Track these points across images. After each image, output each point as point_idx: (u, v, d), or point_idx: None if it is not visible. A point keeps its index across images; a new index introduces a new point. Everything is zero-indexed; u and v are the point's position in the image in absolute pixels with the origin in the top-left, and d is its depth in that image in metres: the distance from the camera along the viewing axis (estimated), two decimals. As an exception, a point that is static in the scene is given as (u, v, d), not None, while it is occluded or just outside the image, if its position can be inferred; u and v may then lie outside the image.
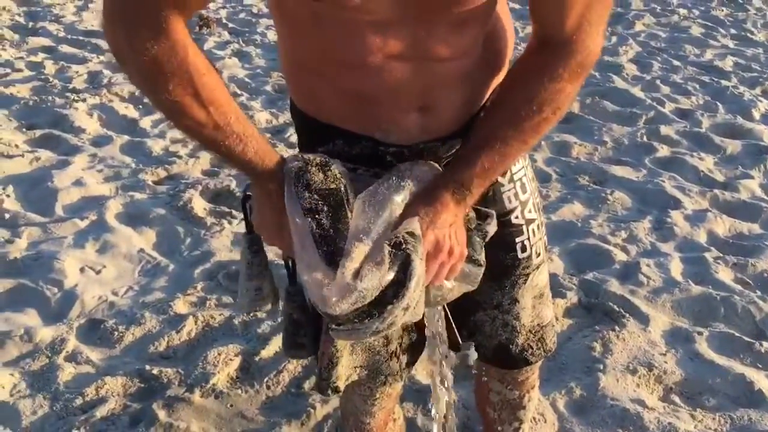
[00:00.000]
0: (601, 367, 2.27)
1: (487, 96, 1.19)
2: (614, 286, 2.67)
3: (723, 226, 3.18)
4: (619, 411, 2.10)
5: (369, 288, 0.98)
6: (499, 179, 1.26)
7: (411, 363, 1.41)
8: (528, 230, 1.32)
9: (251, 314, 2.48)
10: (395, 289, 1.00)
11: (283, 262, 1.29)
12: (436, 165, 1.15)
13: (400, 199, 1.06)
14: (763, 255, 2.92)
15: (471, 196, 1.10)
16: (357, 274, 0.98)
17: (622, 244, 3.01)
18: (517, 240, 1.31)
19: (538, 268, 1.36)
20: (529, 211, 1.32)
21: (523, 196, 1.31)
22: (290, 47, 1.16)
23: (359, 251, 1.00)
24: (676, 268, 2.83)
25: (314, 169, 1.05)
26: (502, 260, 1.31)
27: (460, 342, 1.36)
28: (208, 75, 0.98)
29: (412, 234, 1.03)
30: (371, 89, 1.07)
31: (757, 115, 4.34)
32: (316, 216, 1.02)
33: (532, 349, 1.42)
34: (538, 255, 1.35)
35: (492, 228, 1.19)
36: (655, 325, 2.48)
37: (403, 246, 1.01)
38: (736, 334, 2.45)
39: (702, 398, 2.19)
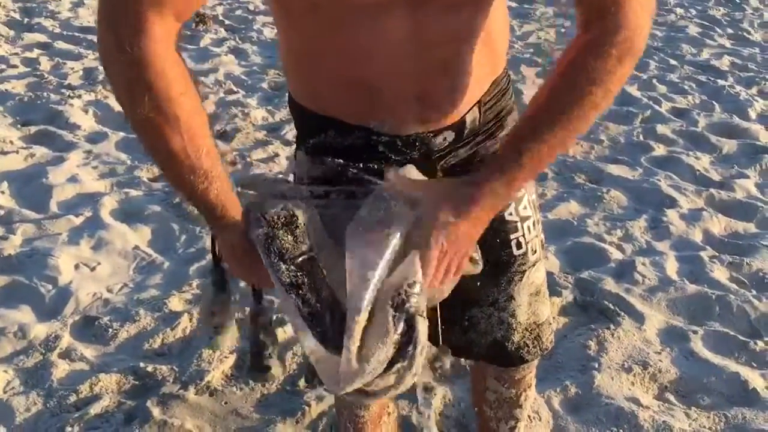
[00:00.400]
0: (596, 365, 2.27)
1: (483, 90, 1.19)
2: (609, 284, 2.68)
3: (718, 225, 3.18)
4: (614, 409, 2.10)
5: (377, 366, 0.95)
6: None
7: None
8: (523, 227, 1.31)
9: (245, 310, 2.47)
10: (403, 350, 0.97)
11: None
12: (417, 175, 1.11)
13: (398, 235, 0.98)
14: (759, 254, 2.93)
15: (508, 197, 1.06)
16: (361, 351, 0.94)
17: (617, 242, 3.01)
18: (512, 237, 1.31)
19: (534, 265, 1.36)
20: (524, 208, 1.31)
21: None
22: (288, 38, 1.15)
23: (359, 325, 0.95)
24: (672, 267, 2.83)
25: (281, 232, 1.02)
26: (498, 257, 1.31)
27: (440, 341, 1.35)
28: (187, 95, 0.95)
29: (412, 285, 0.96)
30: (369, 76, 1.07)
31: (753, 114, 4.34)
32: (300, 291, 0.99)
33: (528, 347, 1.41)
34: (534, 252, 1.35)
35: (478, 268, 1.17)
36: (651, 323, 2.48)
37: (406, 305, 0.96)
38: (731, 333, 2.45)
39: (697, 397, 2.19)
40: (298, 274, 0.99)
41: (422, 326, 0.98)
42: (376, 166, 1.15)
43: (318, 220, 1.06)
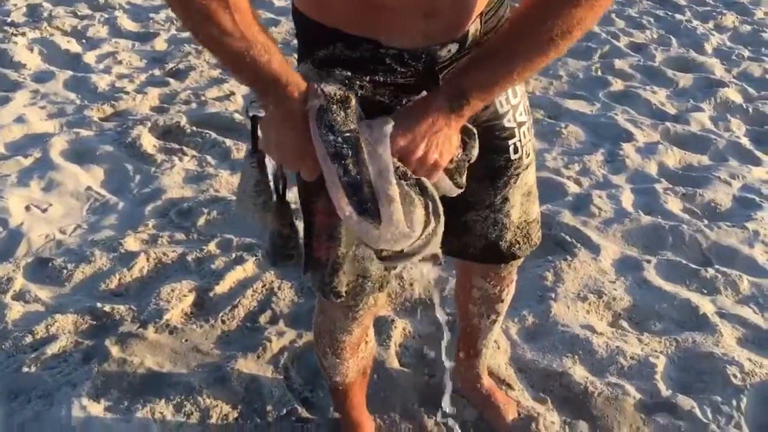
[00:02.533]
0: (553, 295, 2.32)
1: (485, 2, 1.19)
2: (567, 217, 2.71)
3: (673, 158, 3.23)
4: (569, 336, 2.15)
5: (418, 226, 1.08)
6: None
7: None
8: (519, 132, 1.36)
9: (203, 249, 2.45)
10: (428, 211, 1.10)
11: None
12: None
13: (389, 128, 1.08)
14: (711, 185, 2.98)
15: (468, 107, 1.11)
16: (405, 218, 1.06)
17: (575, 176, 3.04)
18: (510, 142, 1.35)
19: (527, 168, 1.41)
20: (520, 114, 1.36)
21: (514, 100, 1.34)
22: None
23: (395, 193, 1.05)
24: (627, 200, 2.87)
25: (335, 107, 1.06)
26: (496, 162, 1.36)
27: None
28: None
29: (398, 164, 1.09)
30: None
31: (709, 48, 4.37)
32: (343, 162, 1.04)
33: (519, 243, 1.48)
34: (528, 155, 1.40)
35: (475, 151, 1.21)
36: (606, 254, 2.53)
37: (408, 174, 1.09)
38: (683, 262, 2.51)
39: (649, 323, 2.26)
40: (344, 146, 1.04)
41: (431, 188, 1.11)
42: (382, 78, 1.18)
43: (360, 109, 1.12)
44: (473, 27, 1.18)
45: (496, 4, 1.22)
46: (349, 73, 1.16)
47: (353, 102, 1.08)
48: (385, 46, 1.13)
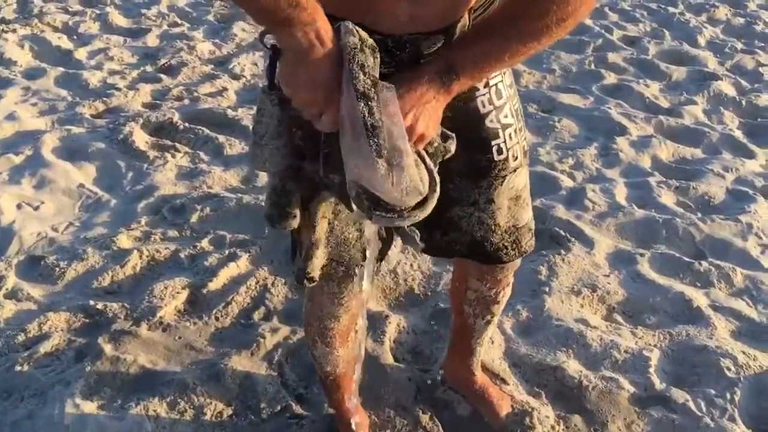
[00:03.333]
0: (547, 289, 2.32)
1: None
2: (560, 211, 2.71)
3: (667, 151, 3.23)
4: (563, 330, 2.15)
5: (425, 189, 1.10)
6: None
7: (385, 254, 1.48)
8: (504, 134, 1.35)
9: (197, 246, 2.44)
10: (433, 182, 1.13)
11: None
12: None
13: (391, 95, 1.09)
14: (704, 178, 2.99)
15: (457, 82, 1.12)
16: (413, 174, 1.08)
17: (569, 170, 3.03)
18: (493, 143, 1.35)
19: (515, 171, 1.40)
20: (506, 116, 1.35)
21: (498, 101, 1.34)
22: None
23: (409, 149, 1.06)
24: (621, 193, 2.87)
25: (368, 50, 1.05)
26: (479, 161, 1.35)
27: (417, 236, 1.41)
28: None
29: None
30: None
31: (702, 41, 4.38)
32: (369, 103, 1.02)
33: (507, 248, 1.47)
34: (516, 158, 1.39)
35: (452, 147, 1.21)
36: (600, 248, 2.53)
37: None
38: (677, 255, 2.52)
39: (643, 316, 2.26)
40: (372, 88, 1.03)
41: (428, 159, 1.14)
42: (386, 70, 1.15)
43: None
44: (462, 22, 1.17)
45: (486, 2, 1.20)
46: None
47: (378, 53, 1.07)
48: (369, 29, 1.10)
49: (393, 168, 1.04)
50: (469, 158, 1.32)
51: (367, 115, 1.02)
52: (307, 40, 1.01)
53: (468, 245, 1.45)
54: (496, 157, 1.36)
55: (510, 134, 1.36)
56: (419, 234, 1.35)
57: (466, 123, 1.30)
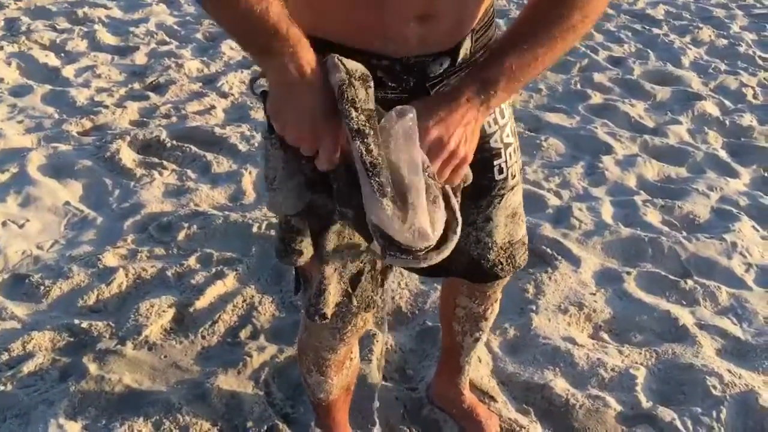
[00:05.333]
0: (534, 308, 2.32)
1: (476, 18, 1.18)
2: (547, 230, 2.72)
3: (652, 170, 3.26)
4: (551, 349, 2.15)
5: (439, 230, 1.02)
6: None
7: (382, 287, 1.44)
8: (506, 153, 1.36)
9: (183, 264, 2.42)
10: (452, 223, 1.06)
11: None
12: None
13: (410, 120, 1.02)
14: (690, 197, 3.01)
15: (495, 98, 1.10)
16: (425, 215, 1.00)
17: (555, 189, 3.05)
18: (495, 162, 1.35)
19: (513, 189, 1.41)
20: (507, 136, 1.36)
21: (502, 120, 1.34)
22: None
23: (423, 186, 0.99)
24: (607, 212, 2.89)
25: (357, 83, 1.00)
26: (480, 181, 1.34)
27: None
28: None
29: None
30: None
31: (686, 62, 4.43)
32: (365, 140, 0.97)
33: (503, 264, 1.46)
34: (514, 177, 1.40)
35: (470, 175, 1.18)
36: (586, 266, 2.54)
37: (435, 177, 1.04)
38: (663, 273, 2.53)
39: (629, 334, 2.27)
40: (366, 123, 0.98)
41: (453, 199, 1.08)
42: (379, 95, 1.15)
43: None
44: (465, 43, 1.17)
45: (486, 23, 1.22)
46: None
47: (371, 83, 1.03)
48: (378, 55, 1.10)
49: (403, 207, 0.98)
50: (472, 180, 1.31)
51: (364, 153, 0.97)
52: (289, 71, 0.99)
53: (465, 265, 1.44)
54: (497, 177, 1.36)
55: (510, 153, 1.37)
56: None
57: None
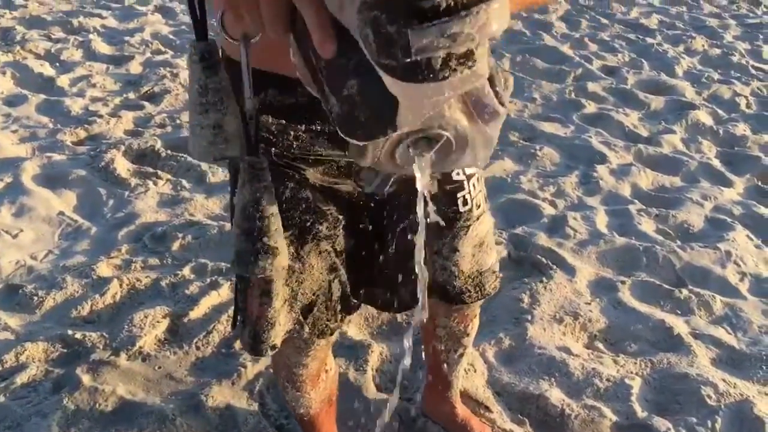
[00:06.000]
0: (529, 317, 2.32)
1: None
2: (542, 239, 2.72)
3: (646, 179, 3.27)
4: (546, 359, 2.15)
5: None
6: None
7: (350, 314, 1.42)
8: (469, 185, 1.34)
9: (178, 274, 2.42)
10: None
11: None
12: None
13: None
14: (684, 206, 3.02)
15: None
16: None
17: (550, 198, 3.06)
18: (459, 195, 1.33)
19: (478, 219, 1.39)
20: (469, 166, 1.32)
21: None
22: None
23: None
24: (602, 221, 2.90)
25: None
26: (445, 214, 1.33)
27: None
28: None
29: None
30: None
31: (679, 71, 4.45)
32: None
33: (470, 292, 1.45)
34: (479, 207, 1.38)
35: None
36: (581, 275, 2.54)
37: None
38: (657, 283, 2.53)
39: (624, 344, 2.27)
40: None
41: None
42: (320, 127, 1.11)
43: None
44: None
45: None
46: (284, 122, 1.09)
47: None
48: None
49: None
50: (436, 212, 1.30)
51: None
52: None
53: (430, 288, 1.42)
54: (461, 209, 1.34)
55: (473, 184, 1.35)
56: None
57: (434, 177, 1.28)
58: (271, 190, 0.94)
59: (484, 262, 1.45)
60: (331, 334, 1.38)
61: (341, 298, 1.34)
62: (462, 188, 1.33)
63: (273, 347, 1.30)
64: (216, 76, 0.92)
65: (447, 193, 1.31)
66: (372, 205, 1.27)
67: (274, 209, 0.96)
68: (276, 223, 0.97)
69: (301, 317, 1.30)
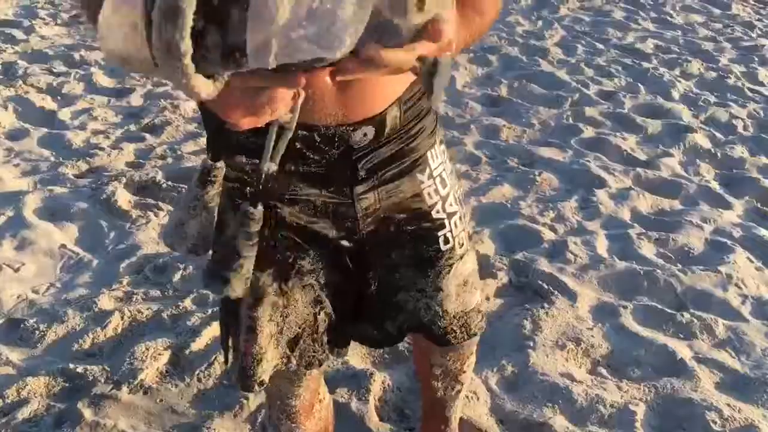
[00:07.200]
0: (531, 344, 2.31)
1: (405, 87, 1.16)
2: (543, 264, 2.73)
3: (645, 203, 3.27)
4: (549, 386, 2.14)
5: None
6: (419, 176, 1.26)
7: (341, 348, 1.42)
8: (450, 223, 1.34)
9: (179, 306, 2.42)
10: None
11: None
12: None
13: None
14: (683, 230, 3.03)
15: None
16: None
17: (550, 223, 3.06)
18: (439, 234, 1.33)
19: (462, 258, 1.38)
20: (450, 205, 1.33)
21: (443, 190, 1.32)
22: None
23: None
24: (602, 245, 2.90)
25: None
26: (425, 252, 1.33)
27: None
28: None
29: None
30: None
31: (676, 95, 4.48)
32: None
33: (455, 332, 1.44)
34: (462, 245, 1.38)
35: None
36: (583, 301, 2.54)
37: None
38: (659, 307, 2.53)
39: (627, 369, 2.26)
40: None
41: None
42: (292, 167, 1.12)
43: None
44: (391, 113, 1.14)
45: (417, 94, 1.20)
46: (257, 161, 1.06)
47: None
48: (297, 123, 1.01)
49: None
50: (416, 250, 1.31)
51: None
52: None
53: (416, 326, 1.42)
54: (443, 247, 1.34)
55: (455, 222, 1.35)
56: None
57: (413, 216, 1.29)
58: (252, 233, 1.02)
59: (468, 301, 1.44)
60: (320, 365, 1.37)
61: (328, 330, 1.34)
62: (443, 227, 1.33)
63: (261, 383, 1.31)
64: (203, 189, 1.11)
65: (427, 232, 1.31)
66: (351, 245, 1.27)
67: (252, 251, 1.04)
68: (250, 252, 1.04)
69: (287, 350, 1.31)
